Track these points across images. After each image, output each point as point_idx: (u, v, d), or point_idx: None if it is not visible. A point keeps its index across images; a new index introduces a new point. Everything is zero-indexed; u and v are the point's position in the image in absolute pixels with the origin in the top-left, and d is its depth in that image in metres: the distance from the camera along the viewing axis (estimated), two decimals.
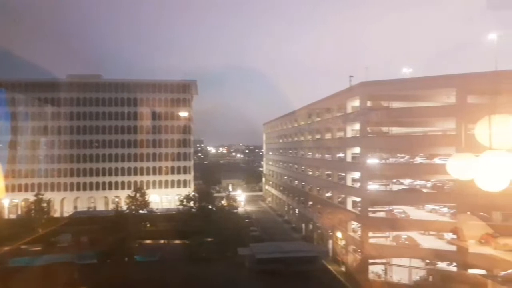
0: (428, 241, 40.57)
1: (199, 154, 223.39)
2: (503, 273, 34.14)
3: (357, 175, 46.85)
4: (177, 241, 56.84)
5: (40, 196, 68.89)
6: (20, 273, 41.11)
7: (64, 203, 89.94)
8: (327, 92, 56.13)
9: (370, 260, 41.93)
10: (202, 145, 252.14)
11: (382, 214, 44.36)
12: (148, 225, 64.74)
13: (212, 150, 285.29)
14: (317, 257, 46.61)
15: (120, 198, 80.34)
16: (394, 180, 49.25)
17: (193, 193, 65.07)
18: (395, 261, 41.00)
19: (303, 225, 66.90)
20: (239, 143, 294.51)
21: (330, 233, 52.13)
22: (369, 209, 43.52)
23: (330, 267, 47.63)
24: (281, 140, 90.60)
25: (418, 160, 52.98)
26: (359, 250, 43.94)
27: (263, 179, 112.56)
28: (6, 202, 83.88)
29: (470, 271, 35.24)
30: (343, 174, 50.31)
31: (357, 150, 46.77)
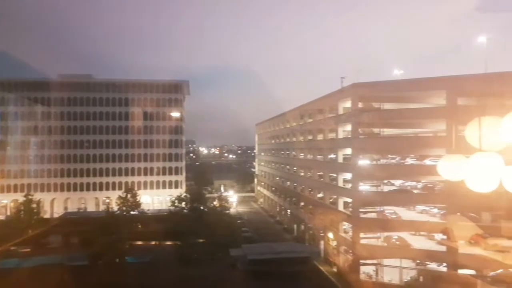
0: (418, 242, 40.86)
1: (191, 154, 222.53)
2: (492, 273, 34.59)
3: (348, 176, 47.13)
4: (168, 242, 56.52)
5: (30, 197, 67.75)
6: (9, 275, 40.56)
7: (54, 204, 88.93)
8: (320, 93, 56.28)
9: (362, 261, 42.13)
10: (194, 145, 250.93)
11: (373, 215, 44.58)
12: (140, 226, 64.28)
13: (204, 150, 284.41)
14: (309, 257, 46.76)
15: (111, 199, 79.54)
16: (385, 181, 49.54)
17: (184, 194, 64.48)
18: (386, 261, 41.27)
19: (295, 226, 67.03)
20: (231, 144, 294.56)
21: (322, 234, 52.31)
22: (361, 210, 43.71)
23: (321, 267, 47.82)
24: (273, 141, 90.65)
25: (409, 161, 53.36)
26: (350, 251, 44.18)
27: (255, 180, 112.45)
28: None
29: (460, 271, 35.59)
30: (335, 175, 50.57)
31: (348, 151, 47.05)
